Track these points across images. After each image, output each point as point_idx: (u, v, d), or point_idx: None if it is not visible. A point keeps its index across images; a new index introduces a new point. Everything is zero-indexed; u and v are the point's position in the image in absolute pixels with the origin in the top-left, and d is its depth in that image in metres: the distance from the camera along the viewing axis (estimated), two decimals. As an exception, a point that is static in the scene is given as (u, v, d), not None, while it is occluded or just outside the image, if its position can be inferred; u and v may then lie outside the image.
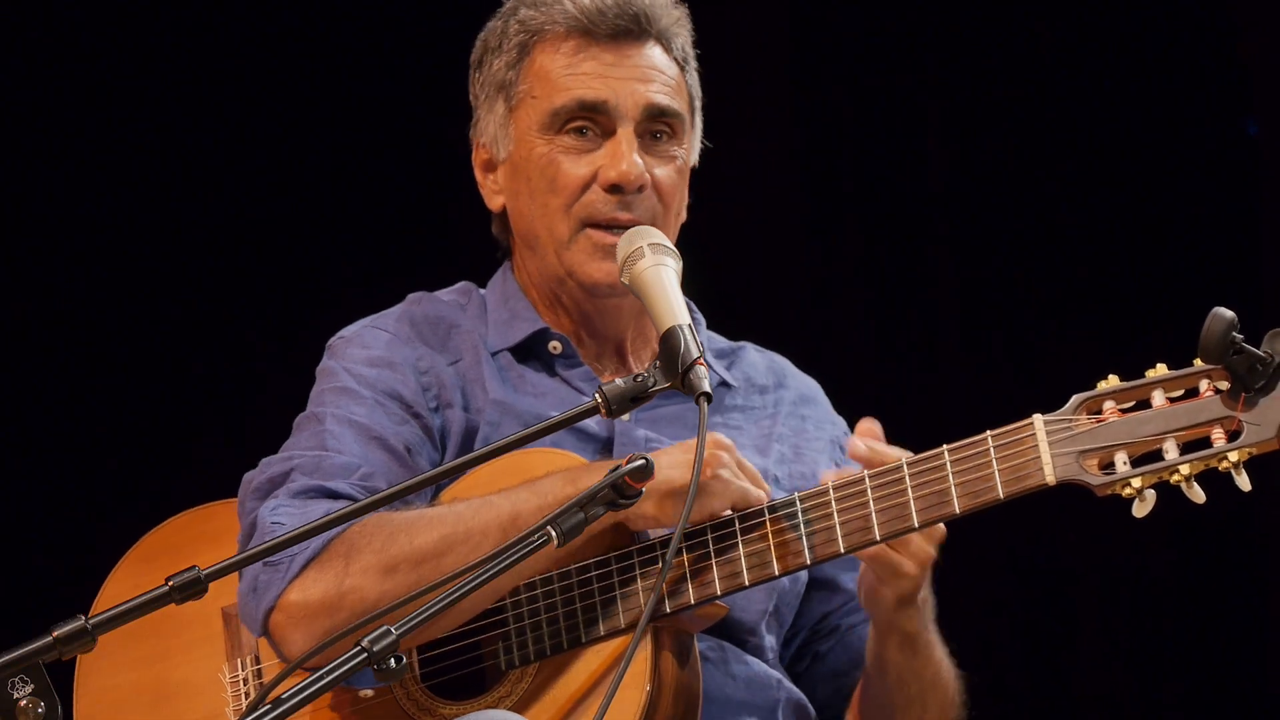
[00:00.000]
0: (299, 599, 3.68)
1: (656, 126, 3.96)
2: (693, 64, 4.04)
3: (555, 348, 4.03)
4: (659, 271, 3.65)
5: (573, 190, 3.94)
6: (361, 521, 3.72)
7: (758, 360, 4.19)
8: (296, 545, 3.69)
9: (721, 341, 4.18)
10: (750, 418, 4.10)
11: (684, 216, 4.05)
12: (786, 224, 6.16)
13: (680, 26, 4.01)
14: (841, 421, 4.19)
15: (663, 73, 3.97)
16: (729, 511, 3.71)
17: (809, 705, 4.01)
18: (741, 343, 4.21)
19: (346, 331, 4.07)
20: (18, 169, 6.00)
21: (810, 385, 4.22)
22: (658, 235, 3.74)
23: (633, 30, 3.95)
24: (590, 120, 3.94)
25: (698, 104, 4.06)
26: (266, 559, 3.71)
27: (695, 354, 3.46)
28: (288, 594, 3.71)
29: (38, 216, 6.01)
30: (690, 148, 4.03)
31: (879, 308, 6.12)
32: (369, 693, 3.75)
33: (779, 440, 4.09)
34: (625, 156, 3.91)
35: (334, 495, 3.78)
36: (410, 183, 6.13)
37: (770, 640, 3.98)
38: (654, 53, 3.97)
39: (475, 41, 4.09)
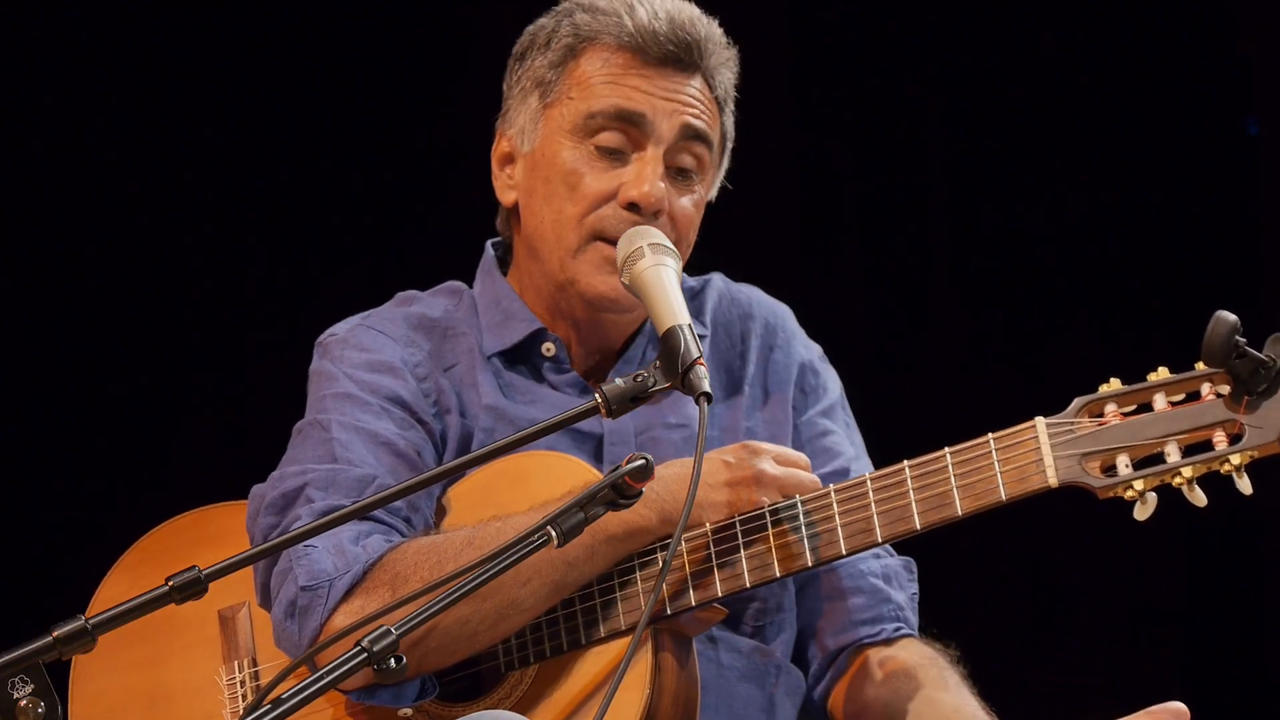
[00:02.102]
0: (347, 624, 3.62)
1: (684, 158, 3.92)
2: (731, 107, 4.01)
3: (549, 349, 4.00)
4: (659, 271, 3.65)
5: (591, 202, 3.89)
6: (401, 548, 3.72)
7: (723, 292, 4.13)
8: (332, 569, 3.69)
9: (688, 280, 4.13)
10: (717, 364, 4.06)
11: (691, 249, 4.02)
12: (786, 226, 6.16)
13: (728, 68, 3.99)
14: (810, 348, 4.14)
15: (702, 103, 3.93)
16: (782, 499, 3.70)
17: (804, 687, 3.98)
18: (708, 275, 4.17)
19: (338, 330, 4.02)
20: (18, 170, 6.00)
21: (775, 311, 4.17)
22: (658, 235, 3.75)
23: (682, 59, 3.92)
24: (623, 132, 3.90)
25: (729, 146, 4.03)
26: (303, 584, 3.69)
27: (695, 354, 3.46)
28: (333, 619, 3.69)
29: (37, 218, 6.00)
30: (712, 184, 4.00)
31: (880, 310, 6.11)
32: (408, 712, 3.74)
33: (750, 384, 4.07)
34: (649, 179, 3.87)
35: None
36: (397, 180, 6.12)
37: (775, 629, 3.95)
38: (697, 86, 3.93)
39: (523, 34, 4.06)
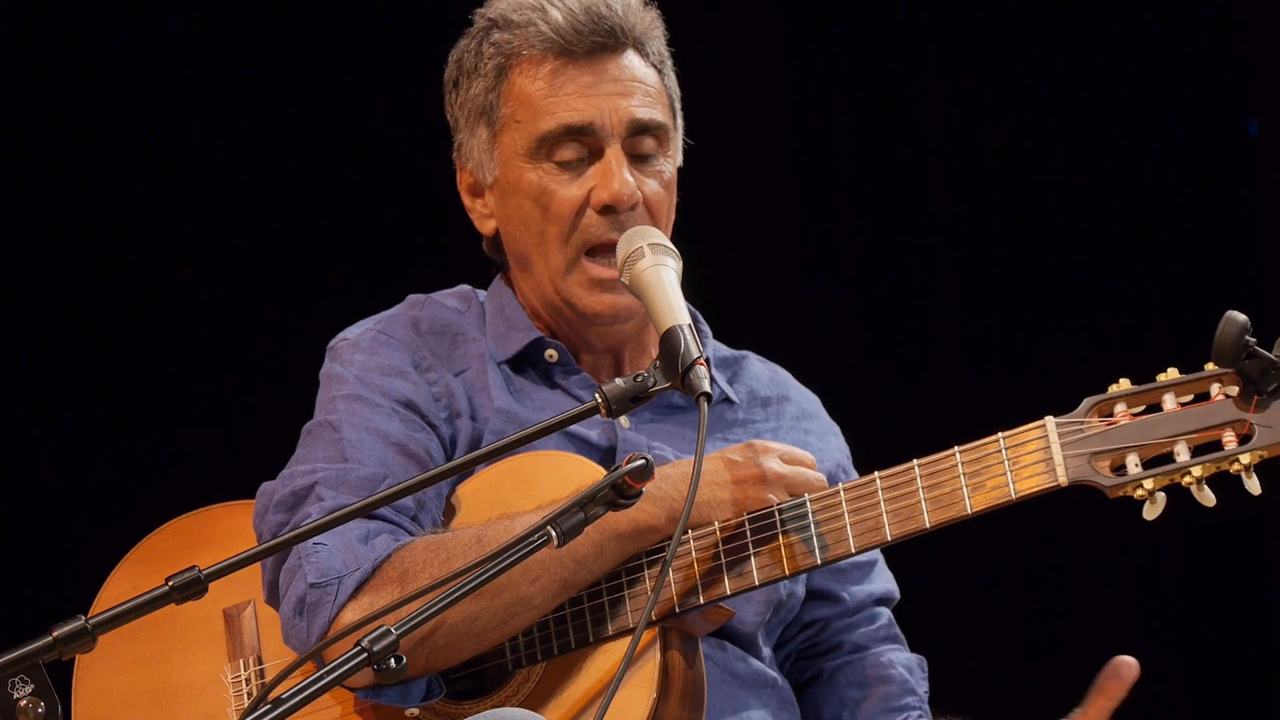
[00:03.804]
0: (358, 621, 3.59)
1: (642, 143, 3.91)
2: (669, 64, 4.00)
3: (551, 355, 4.00)
4: (659, 271, 3.65)
5: (567, 216, 3.89)
6: (409, 546, 3.71)
7: (761, 371, 4.16)
8: (341, 566, 3.69)
9: (724, 350, 4.15)
10: (751, 432, 4.08)
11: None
12: (791, 225, 6.16)
13: (654, 29, 3.97)
14: (842, 440, 4.18)
15: (643, 83, 3.92)
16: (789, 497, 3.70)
17: (796, 705, 4.00)
18: (744, 351, 4.18)
19: (349, 334, 4.02)
20: (19, 171, 5.98)
21: (811, 399, 4.20)
22: (658, 235, 3.74)
23: (609, 44, 3.91)
24: (577, 141, 3.89)
25: (678, 104, 4.02)
26: (312, 581, 3.69)
27: (695, 354, 3.46)
28: (342, 616, 3.68)
29: (39, 219, 5.99)
30: (675, 155, 3.99)
31: (889, 311, 6.11)
32: (414, 712, 3.73)
33: None
34: (616, 175, 3.86)
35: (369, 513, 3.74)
36: (406, 181, 6.11)
37: (766, 651, 3.98)
38: (632, 62, 3.93)
39: (448, 61, 4.04)
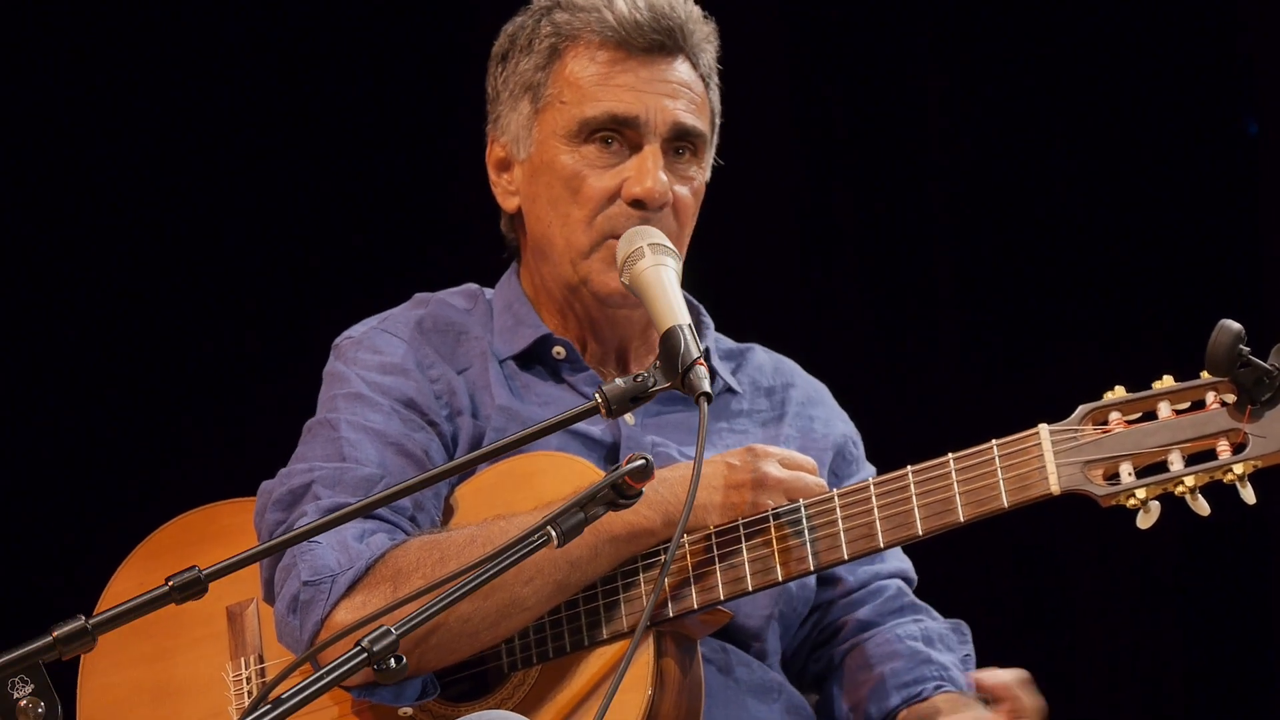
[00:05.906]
0: (349, 619, 3.64)
1: (680, 147, 3.93)
2: (715, 81, 4.02)
3: (559, 353, 4.01)
4: (659, 271, 3.68)
5: (596, 203, 3.90)
6: (404, 545, 3.73)
7: (765, 361, 4.17)
8: (335, 565, 3.71)
9: (728, 342, 4.17)
10: (756, 421, 4.09)
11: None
12: (789, 233, 6.16)
13: (709, 43, 3.99)
14: (851, 424, 4.18)
15: (690, 89, 3.94)
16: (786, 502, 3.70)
17: (808, 707, 4.00)
18: (749, 344, 4.20)
19: (353, 332, 4.04)
20: (19, 171, 5.99)
21: (818, 387, 4.20)
22: (658, 235, 3.77)
23: (666, 45, 3.92)
24: (618, 133, 3.91)
25: (718, 121, 4.04)
26: (305, 579, 3.71)
27: (695, 354, 3.48)
28: (335, 614, 3.70)
29: (40, 218, 6.00)
30: (707, 167, 4.00)
31: (884, 317, 6.12)
32: (408, 711, 3.75)
33: (786, 442, 4.06)
34: (651, 173, 3.88)
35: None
36: (413, 180, 6.12)
37: (774, 644, 3.98)
38: (683, 68, 3.95)
39: (500, 34, 4.05)
